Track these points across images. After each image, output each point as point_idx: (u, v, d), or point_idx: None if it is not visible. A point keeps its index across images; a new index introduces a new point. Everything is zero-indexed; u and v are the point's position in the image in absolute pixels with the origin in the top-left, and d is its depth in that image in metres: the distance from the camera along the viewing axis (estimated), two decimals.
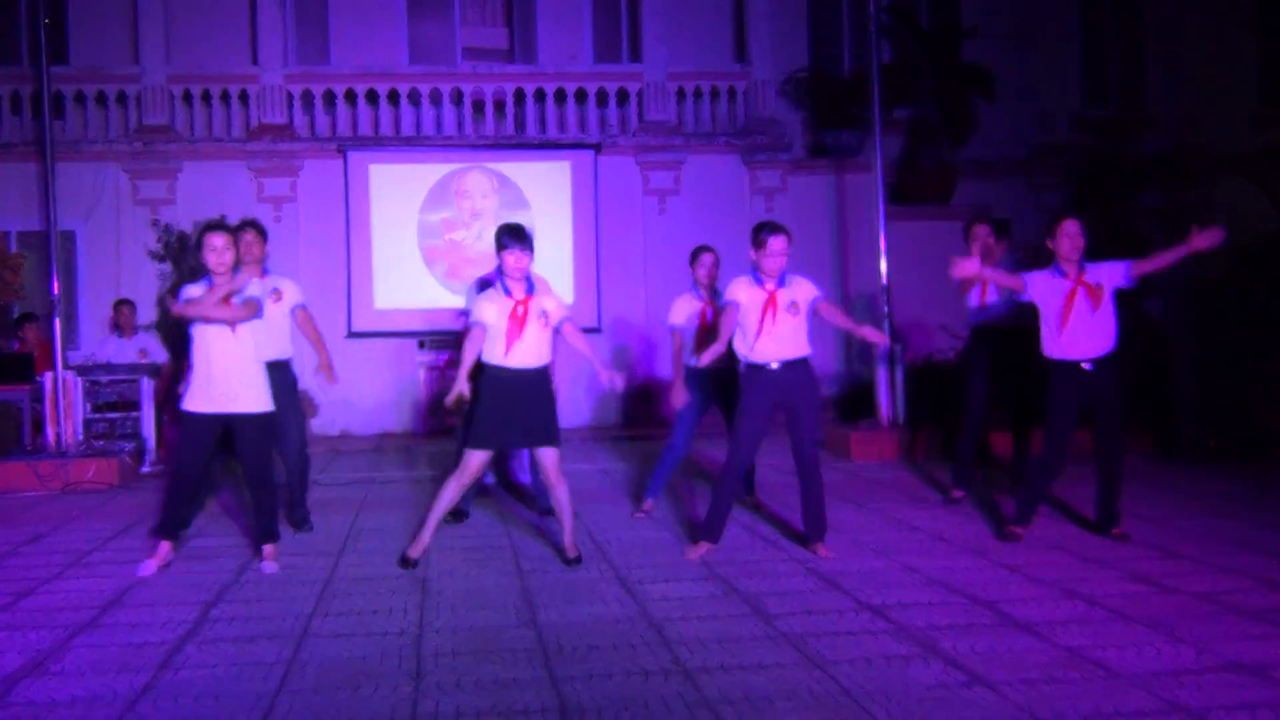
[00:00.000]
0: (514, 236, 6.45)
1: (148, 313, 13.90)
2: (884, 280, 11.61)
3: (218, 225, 6.82)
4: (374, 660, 4.77)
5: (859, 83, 14.64)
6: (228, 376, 6.46)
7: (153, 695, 4.38)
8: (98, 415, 10.91)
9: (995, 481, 8.96)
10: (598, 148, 15.22)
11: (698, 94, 15.80)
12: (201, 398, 6.49)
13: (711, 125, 15.80)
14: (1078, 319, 6.83)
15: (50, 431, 10.55)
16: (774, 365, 6.60)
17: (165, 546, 6.64)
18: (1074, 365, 6.86)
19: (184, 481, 6.63)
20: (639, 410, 14.92)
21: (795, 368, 6.63)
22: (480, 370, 6.54)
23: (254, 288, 6.61)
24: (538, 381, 6.54)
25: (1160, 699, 4.09)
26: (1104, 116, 16.92)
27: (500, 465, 9.20)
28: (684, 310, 8.09)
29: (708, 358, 6.57)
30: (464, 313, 8.07)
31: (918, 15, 16.33)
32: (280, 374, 7.38)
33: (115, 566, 6.77)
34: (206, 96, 15.13)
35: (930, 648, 4.77)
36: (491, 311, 6.44)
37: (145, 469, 10.79)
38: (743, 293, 6.68)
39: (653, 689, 4.33)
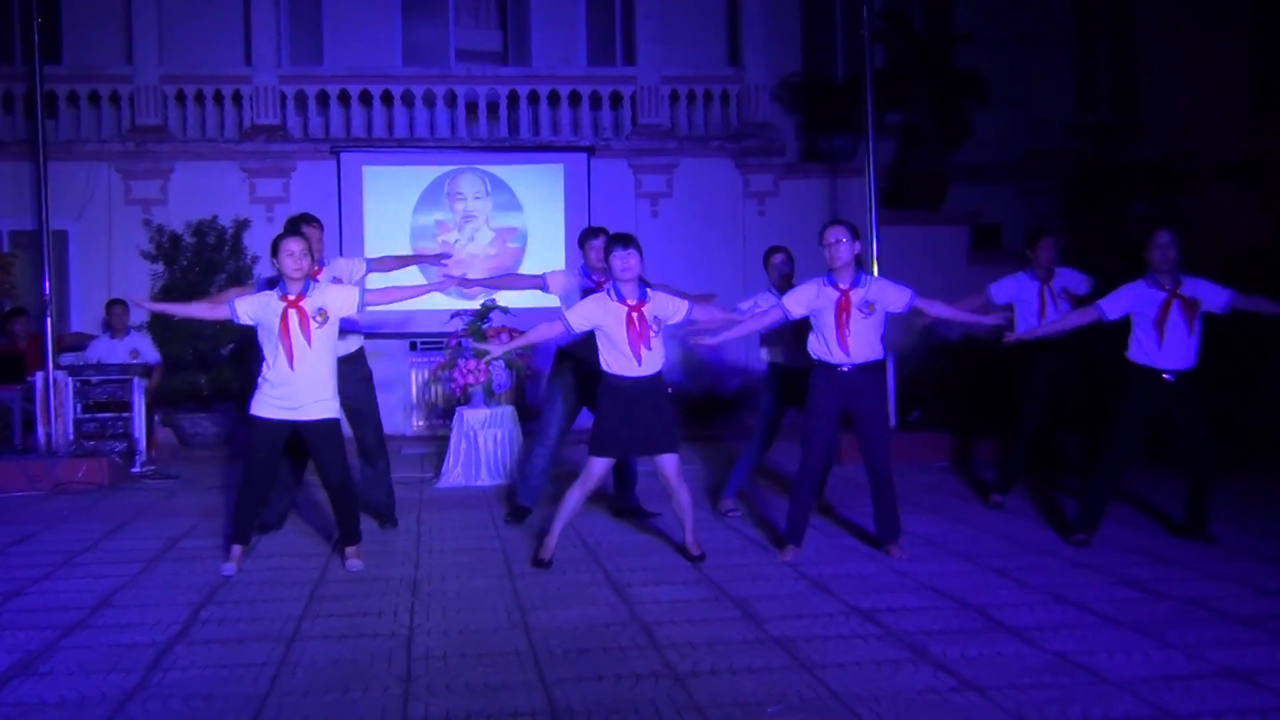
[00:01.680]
0: (622, 241, 6.45)
1: (140, 313, 13.86)
2: None
3: (294, 230, 6.76)
4: (364, 662, 4.77)
5: (852, 87, 14.65)
6: (298, 385, 6.44)
7: (142, 696, 4.37)
8: (88, 415, 10.87)
9: (1063, 486, 8.99)
10: (591, 150, 15.21)
11: (691, 97, 15.80)
12: (269, 404, 6.49)
13: (704, 129, 15.80)
14: (1172, 330, 6.83)
15: (41, 431, 10.52)
16: (845, 367, 6.61)
17: (236, 549, 6.63)
18: (1155, 373, 6.87)
19: (252, 487, 6.61)
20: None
21: (865, 371, 6.64)
22: (599, 378, 6.57)
23: (332, 298, 6.58)
24: (655, 387, 6.54)
25: (1150, 704, 4.10)
26: (1096, 122, 16.96)
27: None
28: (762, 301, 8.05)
29: (712, 340, 6.64)
30: (546, 288, 7.91)
31: (910, 21, 16.36)
32: (352, 367, 7.46)
33: (105, 567, 6.76)
34: (200, 97, 15.10)
35: (920, 652, 4.77)
36: (601, 316, 6.42)
37: (135, 469, 10.75)
38: (804, 298, 6.65)
39: (643, 692, 4.33)
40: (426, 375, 14.65)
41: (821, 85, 16.15)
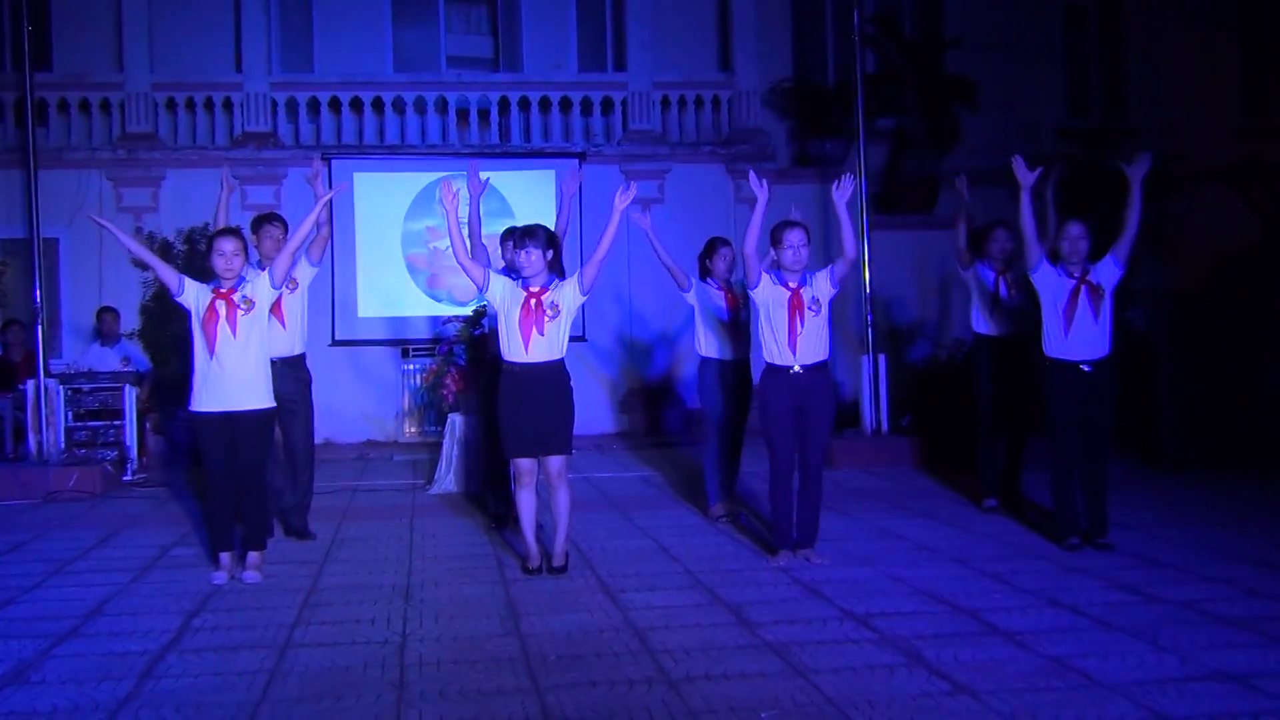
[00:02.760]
0: (519, 238, 6.66)
1: (131, 320, 13.84)
2: (868, 289, 11.63)
3: (232, 230, 6.75)
4: (357, 670, 4.76)
5: (843, 92, 14.66)
6: (228, 374, 6.42)
7: (134, 705, 4.36)
8: (80, 423, 10.83)
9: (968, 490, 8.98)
10: (582, 156, 15.21)
11: (682, 103, 15.81)
12: (206, 397, 6.47)
13: (696, 134, 15.80)
14: (1081, 318, 6.94)
15: (32, 439, 10.49)
16: (797, 368, 6.67)
17: (224, 557, 6.60)
18: (1073, 366, 6.96)
19: (217, 489, 6.60)
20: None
21: (815, 371, 6.73)
22: (497, 370, 6.64)
23: (255, 287, 6.56)
24: (552, 379, 6.54)
25: (1144, 708, 4.10)
26: (1086, 127, 16.98)
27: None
28: (704, 294, 8.19)
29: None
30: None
31: (901, 26, 16.37)
32: (293, 370, 7.45)
33: (97, 575, 6.75)
34: (190, 104, 15.08)
35: (914, 657, 4.77)
36: (500, 291, 6.55)
37: (127, 477, 10.72)
38: (765, 290, 6.72)
39: (636, 698, 4.32)
40: (418, 382, 14.66)
41: (812, 90, 16.15)
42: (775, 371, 6.74)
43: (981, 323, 8.52)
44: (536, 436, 6.52)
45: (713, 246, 8.37)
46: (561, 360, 6.59)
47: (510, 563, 6.88)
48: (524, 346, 6.46)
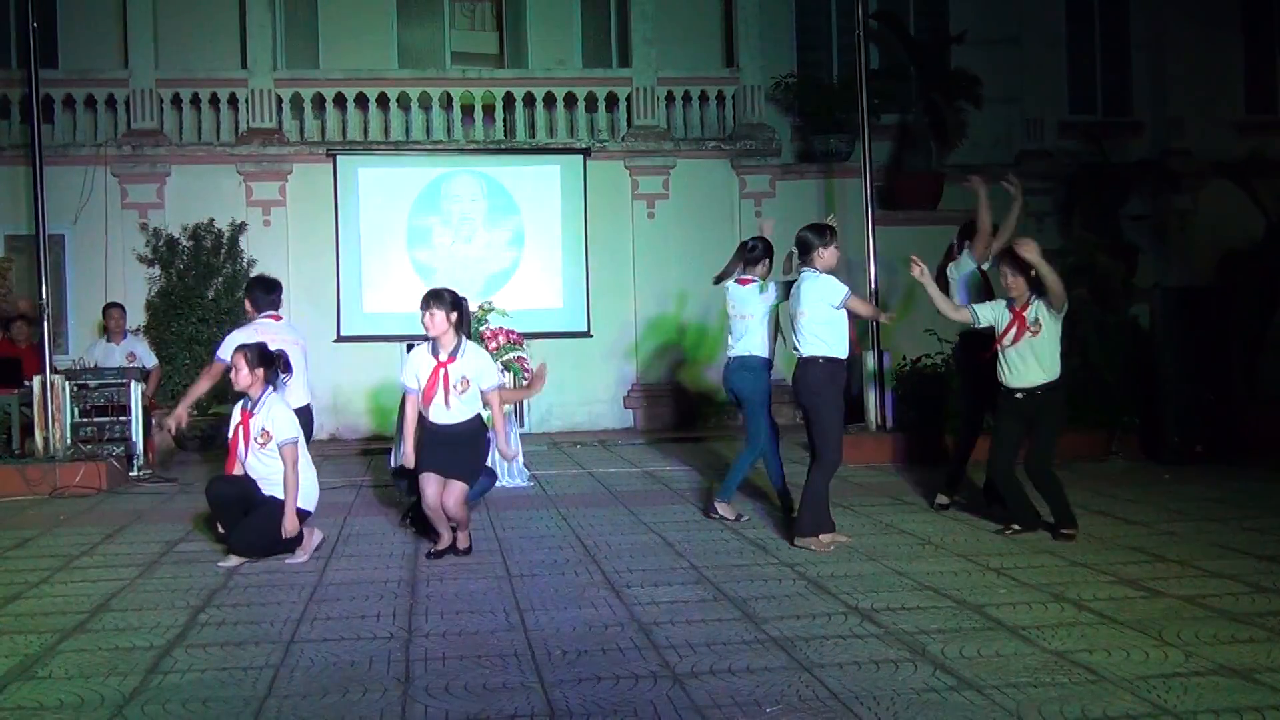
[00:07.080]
0: (427, 298, 6.98)
1: (137, 317, 13.87)
2: (872, 284, 11.63)
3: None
4: (362, 665, 4.77)
5: (847, 88, 14.67)
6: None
7: (141, 699, 4.37)
8: (86, 419, 10.82)
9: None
10: (587, 152, 15.23)
11: (686, 99, 15.83)
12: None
13: (700, 130, 15.82)
14: None
15: (38, 435, 10.50)
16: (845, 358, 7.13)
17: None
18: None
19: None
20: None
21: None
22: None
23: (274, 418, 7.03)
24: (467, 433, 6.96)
25: (1147, 702, 4.11)
26: (1090, 122, 16.99)
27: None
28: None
29: None
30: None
31: (905, 22, 16.38)
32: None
33: (103, 571, 6.77)
34: (196, 100, 15.10)
35: (919, 651, 4.78)
36: (411, 375, 7.01)
37: (133, 473, 10.74)
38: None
39: (641, 693, 4.33)
40: None
41: (816, 86, 16.17)
42: (838, 364, 7.09)
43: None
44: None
45: (767, 246, 8.13)
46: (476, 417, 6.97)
47: (515, 559, 6.89)
48: (426, 407, 6.90)
